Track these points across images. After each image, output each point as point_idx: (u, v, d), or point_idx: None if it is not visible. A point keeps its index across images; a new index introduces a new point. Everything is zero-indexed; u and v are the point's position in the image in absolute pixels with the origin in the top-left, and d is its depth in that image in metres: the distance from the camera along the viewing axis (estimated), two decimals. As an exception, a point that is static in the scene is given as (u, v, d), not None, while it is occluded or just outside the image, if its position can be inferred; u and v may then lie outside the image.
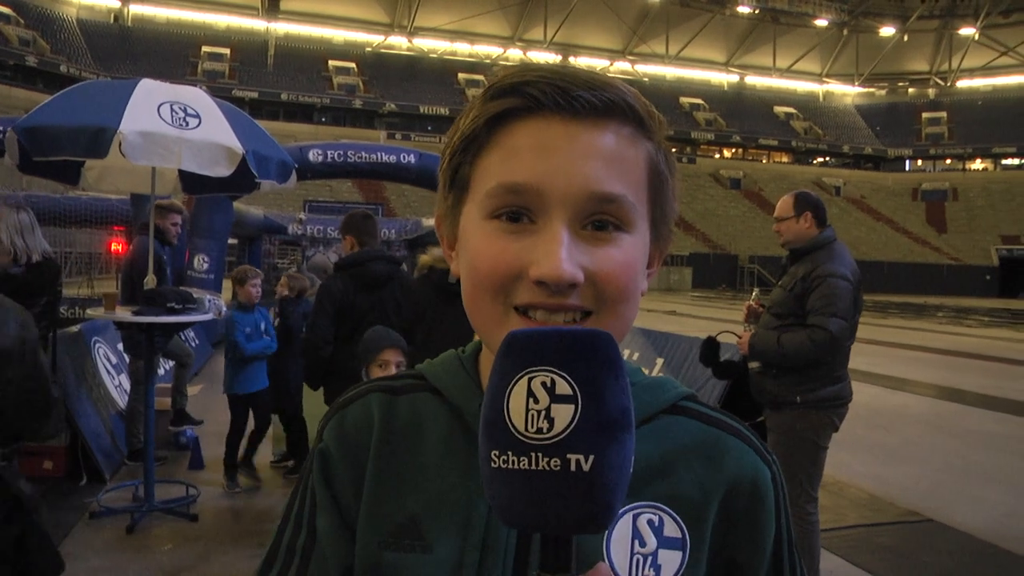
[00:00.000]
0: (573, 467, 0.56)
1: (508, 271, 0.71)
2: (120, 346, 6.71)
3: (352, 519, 0.80)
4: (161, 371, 6.23)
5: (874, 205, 67.40)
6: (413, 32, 74.75)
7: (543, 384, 0.57)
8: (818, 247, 3.91)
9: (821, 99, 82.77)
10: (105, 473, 5.60)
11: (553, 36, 76.45)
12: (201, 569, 4.30)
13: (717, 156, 73.77)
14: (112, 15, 68.23)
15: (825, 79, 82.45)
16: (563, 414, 0.56)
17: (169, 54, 63.50)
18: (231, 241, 16.15)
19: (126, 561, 4.37)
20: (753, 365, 3.99)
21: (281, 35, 71.06)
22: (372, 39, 73.94)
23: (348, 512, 0.80)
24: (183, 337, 8.79)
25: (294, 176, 6.04)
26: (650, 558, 0.76)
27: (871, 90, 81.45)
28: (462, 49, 76.24)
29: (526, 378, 0.57)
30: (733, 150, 74.50)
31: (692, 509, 0.78)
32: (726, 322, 15.42)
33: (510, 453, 0.57)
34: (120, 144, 4.47)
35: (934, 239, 61.92)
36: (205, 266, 12.24)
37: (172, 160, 4.74)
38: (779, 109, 78.53)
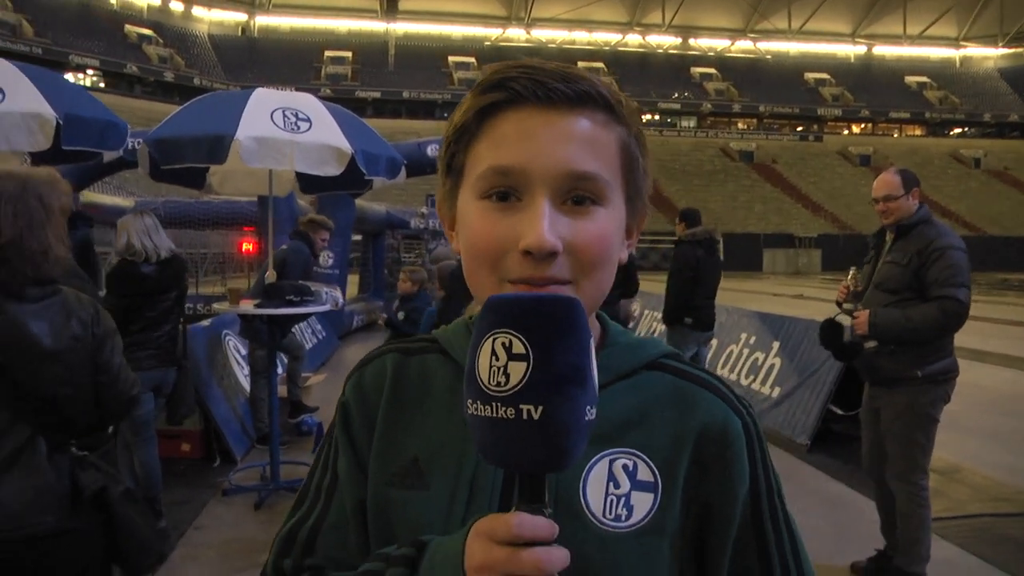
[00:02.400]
0: (525, 416, 0.64)
1: (500, 244, 0.81)
2: (247, 339, 7.19)
3: (365, 461, 0.93)
4: (279, 368, 6.63)
5: (1020, 176, 62.95)
6: (530, 23, 75.10)
7: (503, 344, 0.66)
8: (924, 221, 3.92)
9: (958, 65, 78.02)
10: (236, 455, 6.02)
11: (672, 19, 75.16)
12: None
13: (845, 132, 70.85)
14: (240, 28, 71.78)
15: (963, 43, 77.59)
16: (517, 370, 0.65)
17: (294, 61, 66.22)
18: (355, 237, 16.75)
19: (253, 533, 4.71)
20: (870, 344, 3.94)
21: (400, 35, 72.82)
22: (490, 33, 74.75)
23: (362, 455, 0.93)
24: (304, 330, 9.27)
25: (403, 172, 6.28)
26: (623, 499, 0.84)
27: (1018, 50, 75.90)
28: (580, 37, 76.05)
29: (491, 339, 0.66)
30: (862, 125, 71.35)
31: (665, 455, 0.86)
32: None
33: (479, 403, 0.66)
34: (237, 150, 4.80)
35: (1090, 211, 57.39)
36: (330, 261, 12.77)
37: (285, 162, 5.03)
38: (911, 79, 74.57)
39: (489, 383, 0.66)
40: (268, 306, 5.29)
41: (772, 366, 7.80)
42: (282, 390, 6.68)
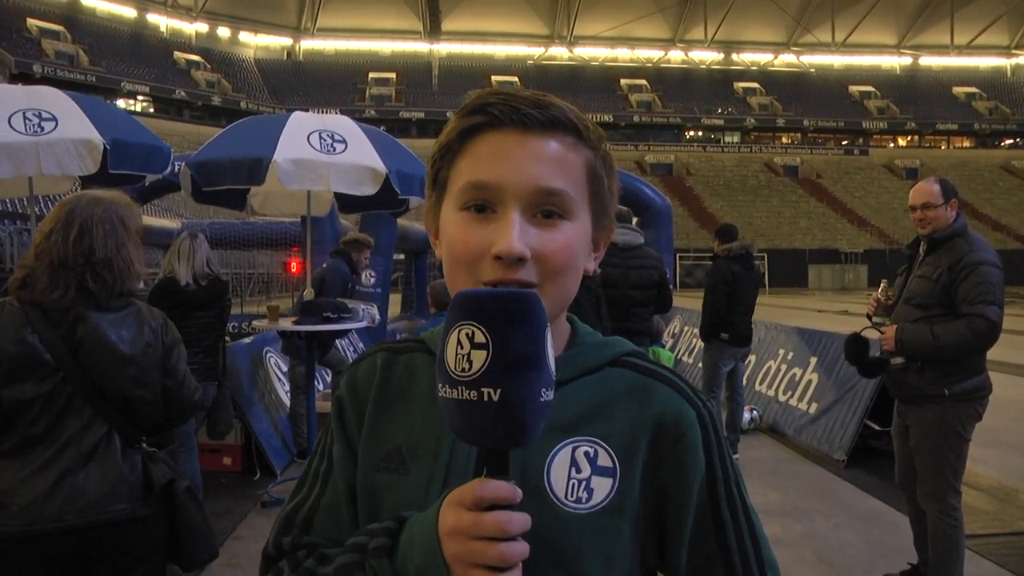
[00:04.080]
0: (486, 398, 0.73)
1: (475, 250, 0.91)
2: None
3: (356, 448, 1.03)
4: (319, 384, 6.75)
5: (1074, 187, 61.34)
6: (573, 42, 75.39)
7: (467, 335, 0.74)
8: (958, 234, 3.82)
9: (1009, 74, 76.41)
10: (276, 468, 6.16)
11: (714, 35, 74.90)
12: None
13: (891, 146, 69.68)
14: (285, 52, 73.21)
15: (1014, 52, 75.99)
16: (479, 358, 0.74)
17: (338, 83, 67.28)
18: (398, 256, 16.92)
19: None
20: (896, 360, 3.89)
21: (444, 55, 73.60)
22: (533, 52, 75.18)
23: (353, 443, 1.03)
24: (347, 348, 9.41)
25: (438, 191, 6.39)
26: (584, 483, 0.93)
27: (1072, 58, 74.19)
28: (623, 55, 76.10)
29: (457, 330, 0.75)
30: (908, 138, 70.12)
31: (623, 443, 0.94)
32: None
33: (447, 387, 0.76)
34: (275, 171, 4.96)
35: None
36: (372, 280, 12.94)
37: (321, 183, 5.19)
38: (959, 90, 73.18)
39: (455, 369, 0.75)
40: (305, 323, 5.43)
41: (810, 382, 7.74)
42: (324, 405, 6.81)
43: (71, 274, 2.19)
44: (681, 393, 0.98)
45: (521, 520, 0.76)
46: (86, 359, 2.19)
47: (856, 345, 4.17)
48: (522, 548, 0.76)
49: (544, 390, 0.76)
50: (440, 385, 0.77)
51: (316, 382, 6.05)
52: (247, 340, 7.04)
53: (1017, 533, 5.09)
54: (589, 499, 0.92)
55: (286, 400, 7.01)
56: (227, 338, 5.15)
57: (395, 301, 17.37)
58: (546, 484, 0.92)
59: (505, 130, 0.92)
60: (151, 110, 56.35)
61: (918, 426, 3.85)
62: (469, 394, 0.74)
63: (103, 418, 2.21)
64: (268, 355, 7.24)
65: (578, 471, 0.93)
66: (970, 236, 3.83)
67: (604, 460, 0.93)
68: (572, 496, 0.92)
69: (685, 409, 0.96)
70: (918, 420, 3.85)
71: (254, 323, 6.37)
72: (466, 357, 0.74)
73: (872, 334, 4.12)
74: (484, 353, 0.74)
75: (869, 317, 4.10)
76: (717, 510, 0.95)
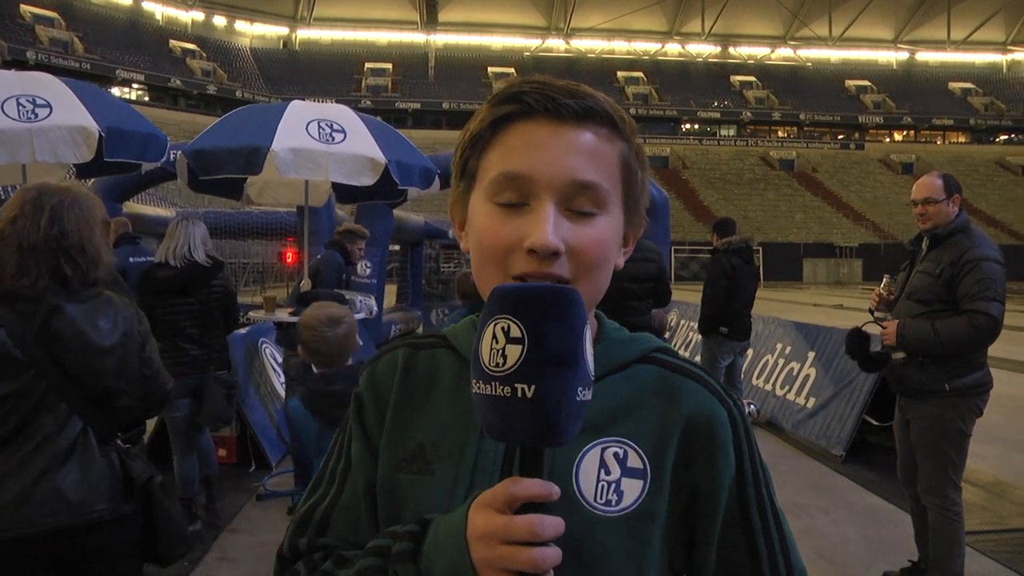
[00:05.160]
0: (520, 394, 0.71)
1: (507, 244, 0.88)
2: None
3: (376, 447, 0.99)
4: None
5: (1070, 184, 61.53)
6: (570, 34, 75.27)
7: (502, 328, 0.72)
8: (960, 230, 3.82)
9: (1005, 70, 76.54)
10: (271, 460, 6.11)
11: (711, 27, 74.80)
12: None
13: (887, 140, 69.84)
14: (281, 41, 72.97)
15: (1010, 48, 76.13)
16: (513, 352, 0.71)
17: (334, 73, 67.10)
18: (393, 247, 16.88)
19: (287, 539, 4.78)
20: (898, 355, 3.88)
21: (440, 46, 73.42)
22: (530, 43, 75.05)
23: (373, 441, 1.00)
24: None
25: (437, 181, 6.36)
26: (614, 485, 0.90)
27: (1068, 55, 74.34)
28: (620, 47, 76.01)
29: (493, 324, 0.73)
30: (904, 133, 70.28)
31: (654, 444, 0.91)
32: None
33: (481, 382, 0.74)
34: (273, 160, 4.90)
35: None
36: (368, 271, 12.89)
37: (320, 173, 5.14)
38: (955, 85, 73.32)
39: (489, 364, 0.73)
40: (301, 313, 5.37)
41: (807, 376, 7.72)
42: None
43: (42, 259, 2.11)
44: (712, 392, 0.95)
45: (554, 524, 0.73)
46: (63, 353, 2.10)
47: (858, 340, 4.16)
48: (554, 553, 0.73)
49: (581, 389, 0.73)
50: (474, 380, 0.75)
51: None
52: (242, 331, 6.97)
53: (1014, 530, 5.08)
54: (619, 502, 0.89)
55: (281, 391, 6.95)
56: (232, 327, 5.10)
57: (390, 292, 17.35)
58: (574, 486, 0.89)
59: (538, 120, 0.89)
60: (146, 98, 56.07)
61: (919, 421, 3.85)
62: (503, 390, 0.72)
63: (78, 415, 2.13)
64: (263, 346, 7.20)
65: (607, 473, 0.90)
66: (972, 232, 3.83)
67: (634, 461, 0.91)
68: (601, 499, 0.89)
69: (717, 408, 0.94)
70: (919, 415, 3.84)
71: (250, 314, 6.32)
72: (501, 352, 0.72)
73: (873, 329, 4.11)
74: (519, 348, 0.72)
75: (871, 312, 4.09)
76: (747, 514, 0.93)
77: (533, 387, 0.71)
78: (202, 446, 4.92)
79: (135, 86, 57.15)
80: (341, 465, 1.02)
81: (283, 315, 5.49)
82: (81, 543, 2.10)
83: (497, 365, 0.72)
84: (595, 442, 0.90)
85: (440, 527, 0.81)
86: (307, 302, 5.47)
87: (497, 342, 0.72)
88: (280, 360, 7.13)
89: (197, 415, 4.73)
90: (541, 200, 0.87)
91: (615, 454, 0.90)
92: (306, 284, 5.75)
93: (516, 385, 0.71)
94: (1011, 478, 6.10)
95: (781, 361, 8.39)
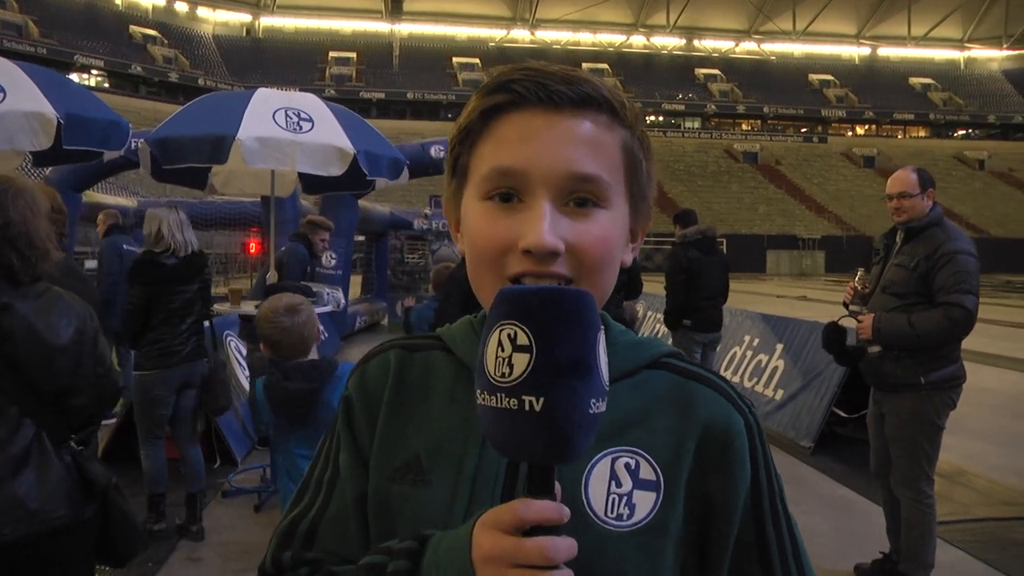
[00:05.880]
0: (527, 407, 0.65)
1: (501, 244, 0.81)
2: (250, 340, 7.16)
3: (367, 455, 0.92)
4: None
5: (1024, 178, 62.91)
6: (535, 25, 75.16)
7: (508, 335, 0.66)
8: (935, 224, 3.84)
9: (962, 67, 77.95)
10: (236, 456, 5.99)
11: (676, 20, 75.14)
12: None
13: (849, 134, 70.82)
14: (244, 29, 71.96)
15: (967, 45, 77.56)
16: (520, 362, 0.65)
17: (298, 61, 66.34)
18: (358, 238, 16.73)
19: (253, 535, 4.69)
20: (873, 349, 3.90)
21: (405, 36, 72.93)
22: (495, 34, 74.83)
23: (364, 449, 0.93)
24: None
25: (406, 172, 6.28)
26: (625, 498, 0.84)
27: (1023, 52, 75.81)
28: (585, 39, 76.06)
29: (498, 330, 0.67)
30: (866, 127, 71.31)
31: (667, 454, 0.85)
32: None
33: (486, 393, 0.67)
34: (239, 150, 4.78)
35: (1097, 213, 57.19)
36: (333, 262, 12.76)
37: (287, 163, 5.03)
38: (915, 80, 74.52)
39: (495, 374, 0.67)
40: (269, 307, 5.27)
41: (775, 368, 7.77)
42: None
43: None
44: (727, 398, 0.90)
45: (567, 546, 0.67)
46: (15, 352, 2.00)
47: (834, 334, 4.17)
48: (567, 575, 0.67)
49: (594, 401, 0.67)
50: (478, 391, 0.69)
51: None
52: (206, 323, 6.83)
53: (979, 519, 5.16)
54: (631, 515, 0.83)
55: (246, 385, 6.82)
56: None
57: (355, 283, 17.19)
58: (584, 500, 0.83)
59: (531, 109, 0.82)
60: (106, 85, 54.88)
61: (894, 414, 3.87)
62: (509, 402, 0.66)
63: (30, 418, 2.03)
64: (228, 339, 7.05)
65: (618, 485, 0.84)
66: (946, 225, 3.86)
67: (647, 472, 0.85)
68: (613, 513, 0.83)
69: (733, 416, 0.88)
70: (894, 408, 3.87)
71: (215, 306, 6.19)
72: (506, 361, 0.66)
73: (849, 323, 4.12)
74: (527, 357, 0.66)
75: (846, 305, 4.11)
76: (762, 527, 0.87)
77: (542, 399, 0.65)
78: (191, 459, 4.75)
79: (94, 72, 55.94)
80: (328, 473, 0.95)
81: (248, 308, 5.38)
82: (40, 551, 2.02)
83: (503, 375, 0.66)
84: (605, 452, 0.85)
85: (441, 546, 0.75)
86: (273, 294, 5.38)
87: (503, 350, 0.66)
88: (245, 354, 7.01)
89: (207, 401, 4.66)
90: (536, 196, 0.81)
91: (626, 464, 0.85)
92: (272, 276, 5.64)
93: (523, 397, 0.65)
94: (974, 468, 6.20)
95: (749, 353, 8.43)
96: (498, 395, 0.66)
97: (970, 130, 71.32)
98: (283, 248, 6.57)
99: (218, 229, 17.98)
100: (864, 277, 4.09)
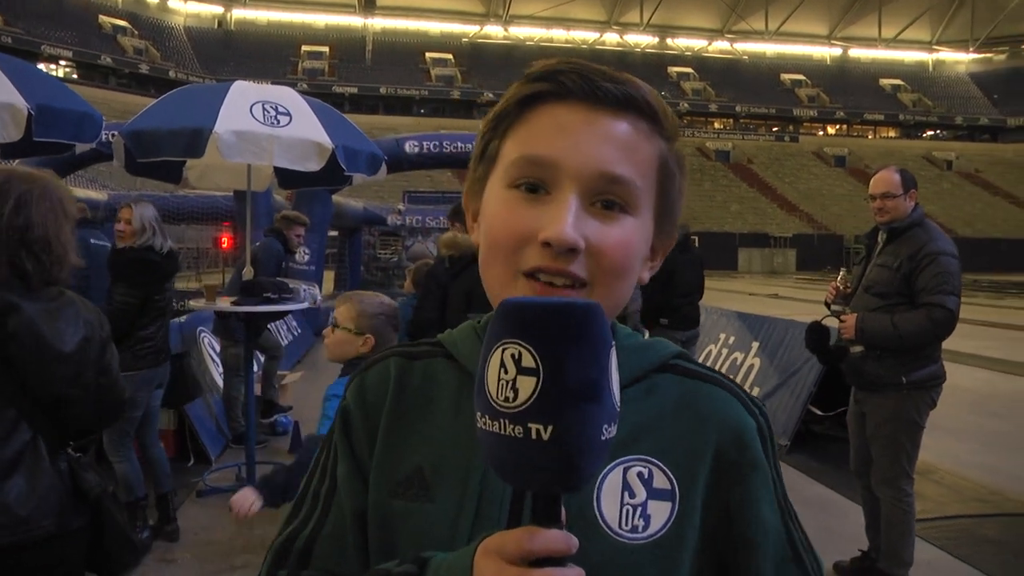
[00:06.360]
0: (534, 435, 0.60)
1: (520, 234, 0.78)
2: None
3: (366, 469, 0.88)
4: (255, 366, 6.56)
5: (990, 179, 63.85)
6: (508, 21, 75.01)
7: (512, 356, 0.61)
8: (917, 224, 3.88)
9: (931, 69, 79.01)
10: (211, 455, 5.91)
11: (650, 18, 75.35)
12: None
13: (820, 133, 71.46)
14: (216, 21, 71.09)
15: (935, 47, 78.61)
16: (526, 386, 0.61)
17: (270, 55, 65.71)
18: (332, 233, 16.61)
19: (229, 535, 4.61)
20: (856, 349, 3.92)
21: (378, 30, 72.46)
22: (468, 29, 74.58)
23: (363, 462, 0.89)
24: (280, 327, 9.17)
25: (384, 168, 6.21)
26: (639, 508, 0.80)
27: (988, 55, 77.10)
28: (558, 36, 76.01)
29: (500, 349, 0.62)
30: (837, 126, 72.02)
31: (681, 461, 0.82)
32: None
33: (487, 417, 0.63)
34: (216, 143, 4.70)
35: (1061, 213, 58.20)
36: (306, 257, 12.67)
37: (265, 157, 4.95)
38: (885, 82, 75.39)
39: (497, 398, 0.62)
40: (246, 303, 5.19)
41: (751, 366, 7.80)
42: (257, 388, 6.59)
43: (2, 250, 1.95)
44: (740, 400, 0.87)
45: None
46: (17, 355, 1.94)
47: (817, 333, 4.18)
48: None
49: (606, 426, 0.63)
50: (479, 414, 0.64)
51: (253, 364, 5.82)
52: (181, 319, 6.73)
53: (954, 516, 5.23)
54: (646, 527, 0.80)
55: (220, 382, 6.74)
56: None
57: (328, 278, 17.06)
58: (596, 512, 0.80)
59: (572, 103, 0.80)
60: (74, 76, 53.89)
61: (875, 414, 3.90)
62: (513, 429, 0.61)
63: (27, 422, 1.96)
64: (202, 335, 6.96)
65: (632, 495, 0.81)
66: (928, 226, 3.90)
67: (661, 481, 0.81)
68: (627, 525, 0.80)
69: (746, 419, 0.86)
70: (875, 408, 3.89)
71: (191, 302, 6.10)
72: (510, 384, 0.61)
73: (832, 322, 4.14)
74: (533, 380, 0.60)
75: (828, 305, 4.13)
76: (783, 519, 0.86)
77: (550, 427, 0.60)
78: (158, 458, 4.65)
79: (62, 63, 54.91)
80: (325, 487, 0.91)
81: (224, 304, 5.29)
82: (23, 561, 1.94)
83: (506, 400, 0.61)
84: (617, 461, 0.81)
85: (440, 571, 0.71)
86: (250, 290, 5.30)
87: (506, 372, 0.61)
88: (219, 350, 6.92)
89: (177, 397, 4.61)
90: (564, 190, 0.78)
91: (639, 474, 0.81)
92: (248, 272, 5.55)
93: (530, 425, 0.60)
94: (947, 465, 6.27)
95: (725, 351, 8.47)
96: (501, 421, 0.61)
97: (938, 131, 72.28)
98: (257, 243, 6.49)
99: (189, 223, 17.76)
100: (846, 277, 4.11)
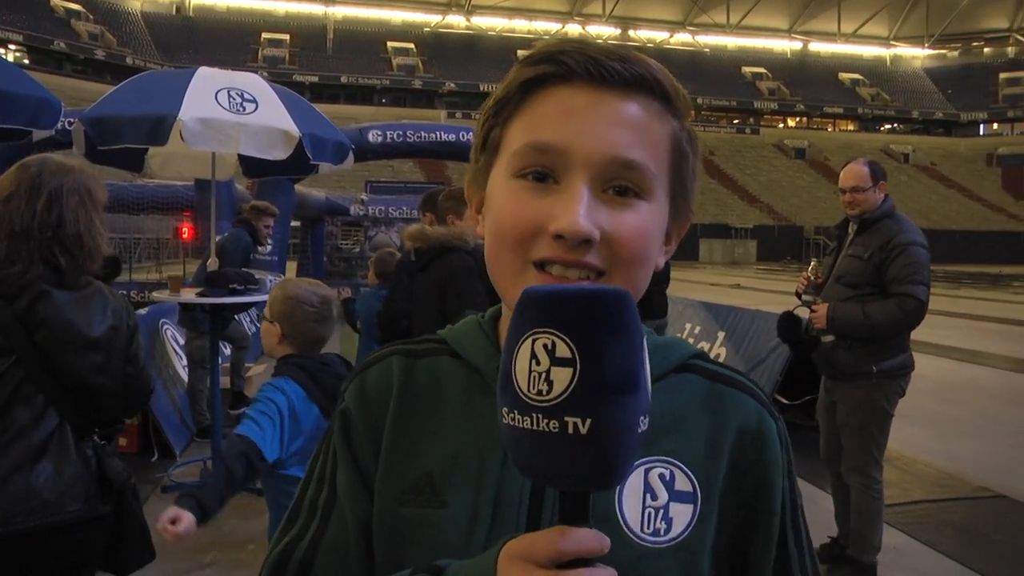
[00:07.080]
0: (571, 430, 0.57)
1: (530, 225, 0.74)
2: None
3: (370, 477, 0.83)
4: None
5: (945, 172, 65.22)
6: (471, 11, 74.70)
7: (544, 346, 0.58)
8: (887, 215, 3.92)
9: (888, 63, 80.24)
10: (175, 449, 5.80)
11: (612, 10, 75.51)
12: (267, 540, 4.44)
13: (781, 126, 72.30)
14: (174, 6, 69.76)
15: (893, 43, 79.87)
16: (562, 377, 0.57)
17: (230, 42, 64.70)
18: (294, 223, 16.41)
19: (196, 533, 4.52)
20: (827, 338, 3.95)
21: (339, 19, 71.72)
22: (430, 19, 74.11)
23: (366, 470, 0.84)
24: (244, 319, 9.03)
25: (351, 157, 6.14)
26: (662, 511, 0.78)
27: (942, 52, 78.57)
28: (520, 26, 75.86)
29: (530, 339, 0.58)
30: (797, 119, 72.91)
31: (701, 462, 0.80)
32: (792, 295, 15.14)
33: (516, 412, 0.59)
34: (180, 131, 4.60)
35: (1011, 206, 59.56)
36: (269, 248, 12.48)
37: (231, 145, 4.85)
38: (844, 76, 76.44)
39: (529, 391, 0.58)
40: (212, 295, 5.09)
41: (718, 356, 7.85)
42: (224, 380, 6.48)
43: (35, 246, 1.95)
44: (760, 402, 0.85)
45: None
46: (46, 342, 1.94)
47: (789, 323, 4.22)
48: None
49: (642, 418, 0.60)
50: (505, 410, 0.60)
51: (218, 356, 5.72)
52: (142, 311, 6.59)
53: (918, 501, 5.35)
54: (668, 530, 0.78)
55: (184, 375, 6.62)
56: None
57: (291, 269, 16.87)
58: (619, 515, 0.77)
59: (578, 85, 0.75)
60: (26, 61, 52.48)
61: (846, 402, 3.94)
62: (548, 424, 0.57)
63: (55, 408, 1.97)
64: (164, 327, 6.83)
65: (653, 498, 0.78)
66: (898, 217, 3.95)
67: (682, 483, 0.79)
68: (649, 528, 0.77)
69: (767, 421, 0.84)
70: (846, 397, 3.94)
71: (154, 294, 5.98)
72: (544, 376, 0.57)
73: (803, 312, 4.17)
74: (570, 371, 0.57)
75: (798, 295, 4.16)
76: (784, 540, 0.83)
77: (589, 421, 0.57)
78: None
79: (12, 47, 53.42)
80: (323, 496, 0.86)
81: (189, 296, 5.18)
82: (49, 545, 1.95)
83: (540, 393, 0.57)
84: (637, 463, 0.77)
85: None
86: (215, 281, 5.20)
87: (538, 363, 0.57)
88: (183, 343, 6.80)
89: None
90: (574, 178, 0.74)
91: (660, 476, 0.79)
92: (213, 263, 5.44)
93: (567, 419, 0.57)
94: (912, 453, 6.39)
95: (691, 340, 8.51)
96: (534, 416, 0.57)
97: (895, 125, 73.55)
98: (225, 234, 6.37)
99: (149, 213, 17.42)
100: (817, 267, 4.16)
